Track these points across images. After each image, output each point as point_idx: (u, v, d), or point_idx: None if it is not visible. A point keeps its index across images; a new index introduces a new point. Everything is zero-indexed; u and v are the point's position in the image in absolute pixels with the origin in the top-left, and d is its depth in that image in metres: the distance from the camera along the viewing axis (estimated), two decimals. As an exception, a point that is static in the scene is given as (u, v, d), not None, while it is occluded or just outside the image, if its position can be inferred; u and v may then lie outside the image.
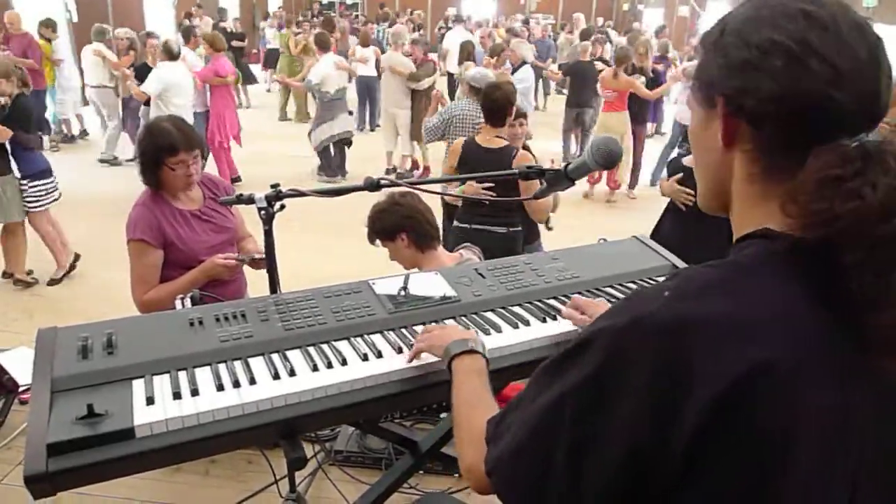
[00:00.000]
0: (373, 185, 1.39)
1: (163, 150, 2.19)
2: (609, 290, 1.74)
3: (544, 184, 1.26)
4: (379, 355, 1.38)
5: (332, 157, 6.94)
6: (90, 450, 1.09)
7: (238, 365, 1.32)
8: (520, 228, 3.24)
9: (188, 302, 1.57)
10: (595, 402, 0.74)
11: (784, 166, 0.76)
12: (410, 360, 1.34)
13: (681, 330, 0.69)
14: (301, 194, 1.49)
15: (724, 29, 0.80)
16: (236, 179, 6.66)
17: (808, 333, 0.70)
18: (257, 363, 1.33)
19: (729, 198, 0.84)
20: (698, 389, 0.67)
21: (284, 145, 8.39)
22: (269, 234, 1.62)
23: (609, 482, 0.74)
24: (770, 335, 0.69)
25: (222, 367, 1.31)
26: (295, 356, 1.36)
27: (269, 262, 1.64)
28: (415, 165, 7.55)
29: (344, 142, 6.92)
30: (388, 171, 7.39)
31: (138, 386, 1.24)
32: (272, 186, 1.56)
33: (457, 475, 2.31)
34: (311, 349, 1.39)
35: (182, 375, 1.28)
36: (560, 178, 1.23)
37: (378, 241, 2.38)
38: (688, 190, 3.02)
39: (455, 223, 3.36)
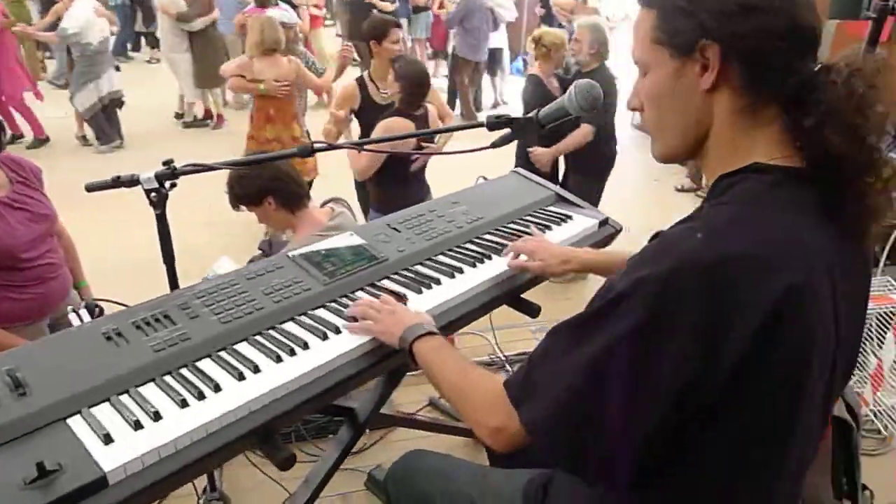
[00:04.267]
0: (307, 151, 1.25)
1: None
2: (513, 225, 1.80)
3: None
4: (337, 331, 1.29)
5: (103, 122, 6.00)
6: (59, 516, 0.89)
7: (188, 374, 1.15)
8: None
9: (84, 313, 1.31)
10: (645, 349, 0.78)
11: (769, 95, 0.85)
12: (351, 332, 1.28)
13: (724, 266, 0.76)
14: (207, 168, 1.29)
15: None
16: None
17: (816, 256, 0.81)
18: (209, 367, 1.17)
19: (703, 141, 0.90)
20: (744, 318, 0.75)
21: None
22: (162, 220, 1.39)
23: (657, 420, 0.80)
24: (793, 263, 0.78)
25: (171, 381, 1.13)
26: (247, 350, 1.22)
27: (165, 252, 1.42)
28: (207, 114, 6.88)
29: (115, 103, 5.99)
30: (177, 117, 6.69)
31: (78, 424, 1.03)
32: (164, 163, 1.33)
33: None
34: (261, 339, 1.26)
35: (127, 400, 1.08)
36: (530, 126, 1.22)
37: (243, 207, 2.18)
38: None
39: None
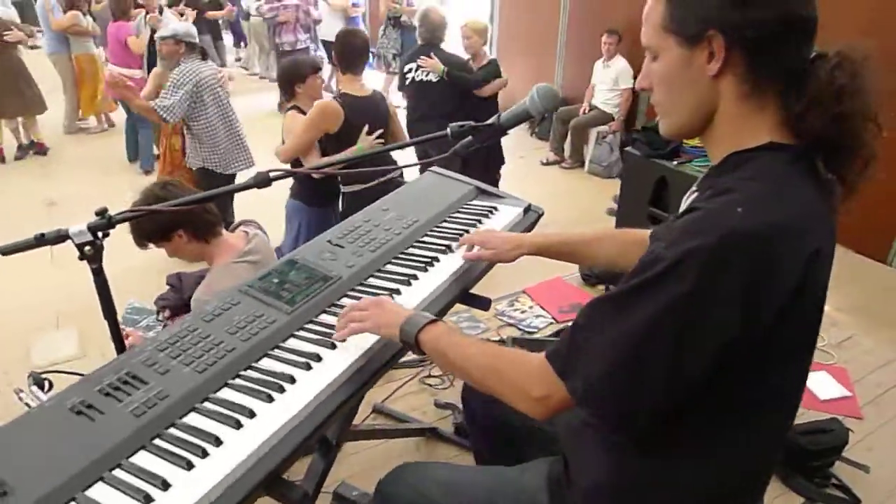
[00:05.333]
0: (265, 181, 1.20)
1: None
2: (446, 224, 1.84)
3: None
4: (318, 358, 1.26)
5: None
6: None
7: (179, 433, 1.08)
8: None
9: (37, 391, 1.17)
10: (696, 312, 0.87)
11: (769, 82, 0.95)
12: (344, 338, 1.28)
13: (766, 236, 0.85)
14: (151, 212, 1.20)
15: None
16: None
17: (826, 222, 0.94)
18: (200, 421, 1.11)
19: (709, 122, 1.00)
20: (783, 280, 0.87)
21: None
22: (99, 273, 1.27)
23: (702, 372, 0.90)
24: (815, 229, 0.91)
25: (164, 444, 1.06)
26: (233, 396, 1.17)
27: (106, 309, 1.30)
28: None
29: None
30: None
31: (78, 513, 0.94)
32: (98, 213, 1.22)
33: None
34: (242, 381, 1.20)
35: (123, 475, 1.00)
36: (494, 131, 1.24)
37: (150, 244, 2.03)
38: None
39: (346, 189, 3.17)
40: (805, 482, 2.17)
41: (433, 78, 4.25)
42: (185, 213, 2.01)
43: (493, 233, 1.59)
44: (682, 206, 1.11)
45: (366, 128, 3.04)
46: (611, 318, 0.93)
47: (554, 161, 6.48)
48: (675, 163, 3.58)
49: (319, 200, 3.33)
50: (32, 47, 9.86)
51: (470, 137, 1.31)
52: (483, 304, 1.68)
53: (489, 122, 1.30)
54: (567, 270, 3.42)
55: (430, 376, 2.64)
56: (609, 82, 5.97)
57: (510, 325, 2.96)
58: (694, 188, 1.10)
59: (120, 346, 1.35)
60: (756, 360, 0.91)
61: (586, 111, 6.19)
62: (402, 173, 3.21)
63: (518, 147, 6.55)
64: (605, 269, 2.14)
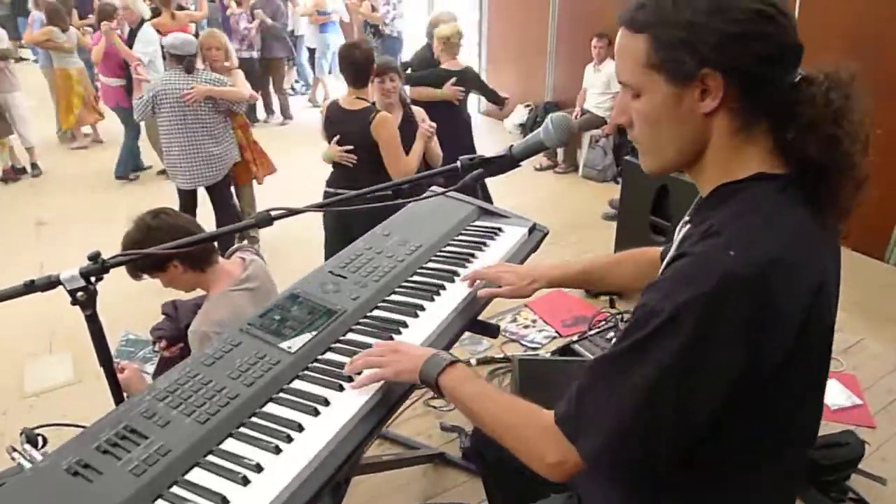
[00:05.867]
0: (266, 220, 1.14)
1: None
2: (450, 248, 1.79)
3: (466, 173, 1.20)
4: (326, 402, 1.21)
5: None
6: None
7: (183, 492, 1.02)
8: None
9: (29, 448, 1.11)
10: (696, 365, 0.84)
11: (762, 113, 0.91)
12: (360, 386, 1.22)
13: (761, 277, 0.82)
14: (145, 255, 1.14)
15: (677, 10, 0.87)
16: None
17: (824, 252, 0.91)
18: (204, 477, 1.05)
19: (699, 158, 0.96)
20: (785, 321, 0.83)
21: None
22: (94, 320, 1.21)
23: (711, 415, 0.87)
24: (814, 261, 0.87)
25: (166, 506, 1.00)
26: (238, 448, 1.11)
27: (102, 357, 1.24)
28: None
29: None
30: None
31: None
32: (91, 258, 1.16)
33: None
34: (247, 431, 1.14)
35: (125, 542, 0.94)
36: (506, 163, 1.19)
37: (145, 276, 1.97)
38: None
39: (326, 189, 3.21)
40: (821, 496, 2.13)
41: None
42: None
43: (507, 267, 1.54)
44: (676, 237, 1.08)
45: (336, 137, 3.10)
46: (613, 378, 0.91)
47: (548, 166, 6.44)
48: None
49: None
50: (19, 59, 9.83)
51: (481, 170, 1.25)
52: (492, 331, 1.63)
53: (501, 153, 1.25)
54: (568, 282, 3.37)
55: (434, 398, 2.59)
56: (600, 86, 5.94)
57: (513, 340, 2.91)
58: (687, 218, 1.07)
59: (116, 392, 1.28)
60: (767, 400, 0.89)
61: (578, 115, 6.15)
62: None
63: (511, 152, 6.50)
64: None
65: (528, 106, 7.26)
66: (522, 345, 2.89)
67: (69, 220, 5.16)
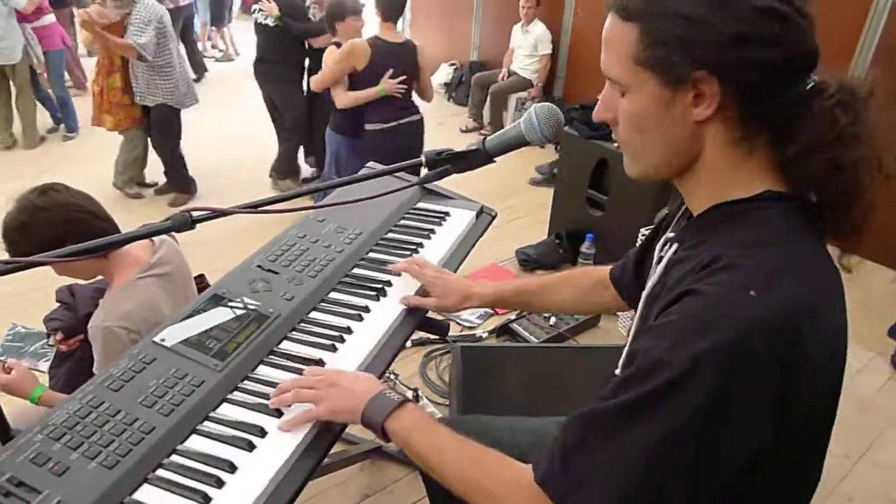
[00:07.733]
0: (185, 223, 0.92)
1: None
2: (392, 234, 1.62)
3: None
4: (262, 433, 1.03)
5: None
6: None
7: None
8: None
9: None
10: (716, 426, 0.72)
11: (767, 121, 0.80)
12: (290, 428, 1.03)
13: (790, 321, 0.72)
14: (36, 264, 0.91)
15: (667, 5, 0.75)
16: None
17: (839, 287, 0.81)
18: (115, 542, 0.86)
19: (689, 168, 0.85)
20: (813, 369, 0.74)
21: None
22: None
23: (727, 482, 0.75)
24: (833, 300, 0.79)
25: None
26: (154, 497, 0.92)
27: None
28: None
29: None
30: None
31: None
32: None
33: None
34: (165, 474, 0.95)
35: None
36: (478, 158, 1.01)
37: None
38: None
39: (369, 127, 3.36)
40: None
41: (270, 22, 4.19)
42: (74, 222, 1.67)
43: (441, 275, 1.38)
44: (657, 254, 0.96)
45: (389, 71, 3.26)
46: (612, 437, 0.76)
47: (473, 128, 6.29)
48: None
49: (349, 131, 3.54)
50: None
51: (448, 166, 1.08)
52: (442, 329, 1.48)
53: (473, 148, 1.07)
54: (502, 255, 3.27)
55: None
56: (528, 48, 5.81)
57: (450, 320, 2.79)
58: (671, 234, 0.94)
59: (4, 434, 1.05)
60: (783, 457, 0.78)
61: (505, 77, 6.01)
62: (422, 116, 3.49)
63: (436, 113, 6.29)
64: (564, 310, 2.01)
65: (452, 65, 7.06)
66: (458, 323, 2.78)
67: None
